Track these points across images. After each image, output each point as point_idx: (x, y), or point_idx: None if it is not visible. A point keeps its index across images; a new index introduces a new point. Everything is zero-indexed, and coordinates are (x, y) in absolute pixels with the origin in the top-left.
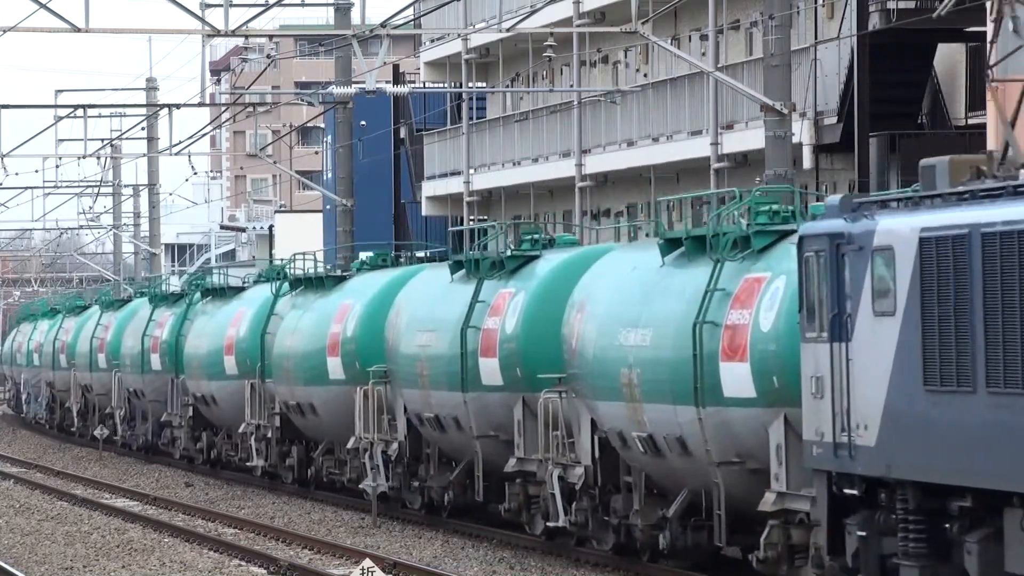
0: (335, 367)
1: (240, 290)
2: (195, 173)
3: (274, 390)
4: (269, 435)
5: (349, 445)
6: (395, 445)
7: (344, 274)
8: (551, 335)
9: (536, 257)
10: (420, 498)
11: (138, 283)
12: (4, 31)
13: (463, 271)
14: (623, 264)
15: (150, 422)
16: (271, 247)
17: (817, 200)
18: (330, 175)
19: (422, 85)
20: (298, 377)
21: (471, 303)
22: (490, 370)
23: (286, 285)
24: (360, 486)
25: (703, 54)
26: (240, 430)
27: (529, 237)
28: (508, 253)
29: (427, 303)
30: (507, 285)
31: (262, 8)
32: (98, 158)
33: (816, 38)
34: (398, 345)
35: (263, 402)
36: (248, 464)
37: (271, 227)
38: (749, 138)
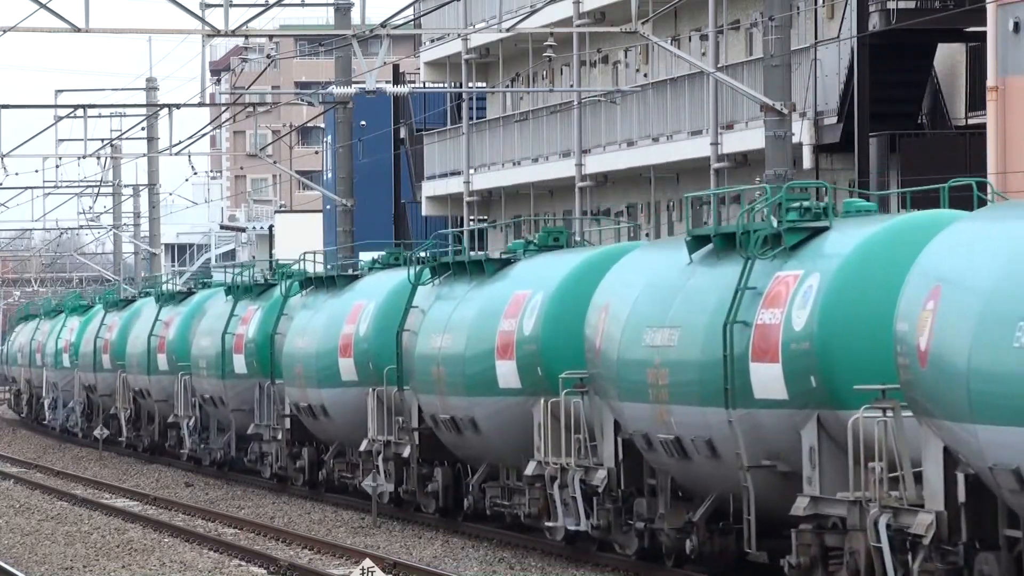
0: (507, 373)
1: (352, 279)
2: (195, 173)
3: (413, 400)
4: (406, 454)
5: (528, 472)
6: (601, 473)
7: (506, 257)
8: (866, 331)
9: (824, 229)
10: (638, 541)
11: (200, 274)
12: (4, 31)
13: (709, 248)
14: (999, 233)
15: (231, 435)
16: (271, 247)
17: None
18: (330, 175)
19: (422, 85)
20: (453, 385)
21: (737, 291)
22: (768, 379)
23: (427, 272)
24: (362, 484)
25: (703, 54)
26: (361, 448)
27: (798, 204)
28: (784, 224)
29: (656, 291)
30: (787, 266)
31: (262, 8)
32: (98, 158)
33: (816, 38)
34: (611, 346)
35: (394, 414)
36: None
37: (271, 227)
38: (749, 138)
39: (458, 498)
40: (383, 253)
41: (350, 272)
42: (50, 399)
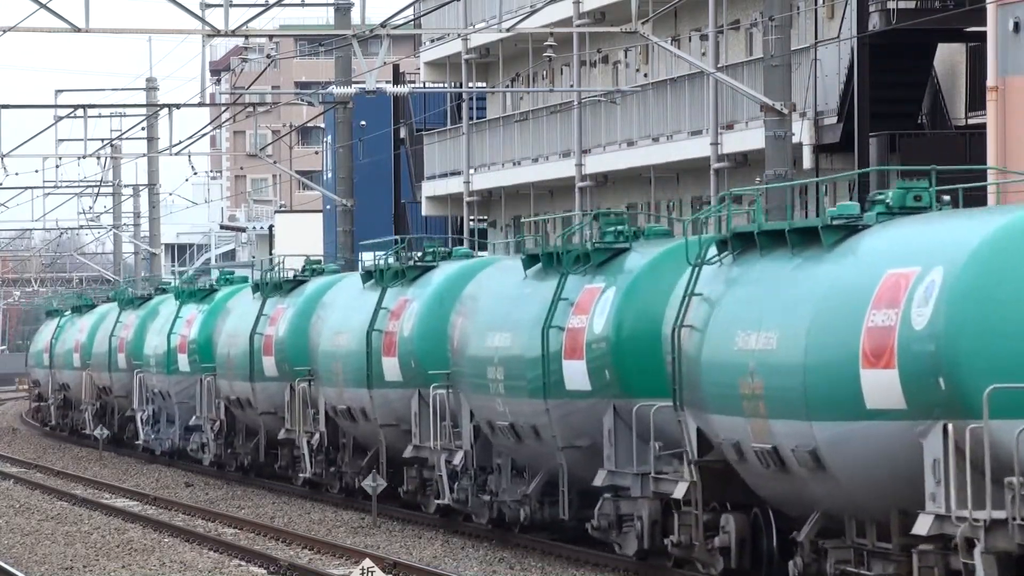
0: None
1: (850, 232)
2: (195, 173)
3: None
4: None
5: None
6: None
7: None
8: None
9: None
10: None
11: (430, 243)
12: (4, 31)
13: None
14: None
15: (536, 475)
16: (271, 247)
17: None
18: (330, 175)
19: (422, 85)
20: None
21: None
22: None
23: None
24: (362, 484)
25: (703, 54)
26: (923, 530)
27: None
28: None
29: None
30: None
31: (262, 8)
32: (98, 158)
33: (816, 38)
34: None
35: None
36: None
37: (271, 227)
38: (749, 138)
39: None
40: (895, 188)
41: (835, 222)
42: (146, 412)
